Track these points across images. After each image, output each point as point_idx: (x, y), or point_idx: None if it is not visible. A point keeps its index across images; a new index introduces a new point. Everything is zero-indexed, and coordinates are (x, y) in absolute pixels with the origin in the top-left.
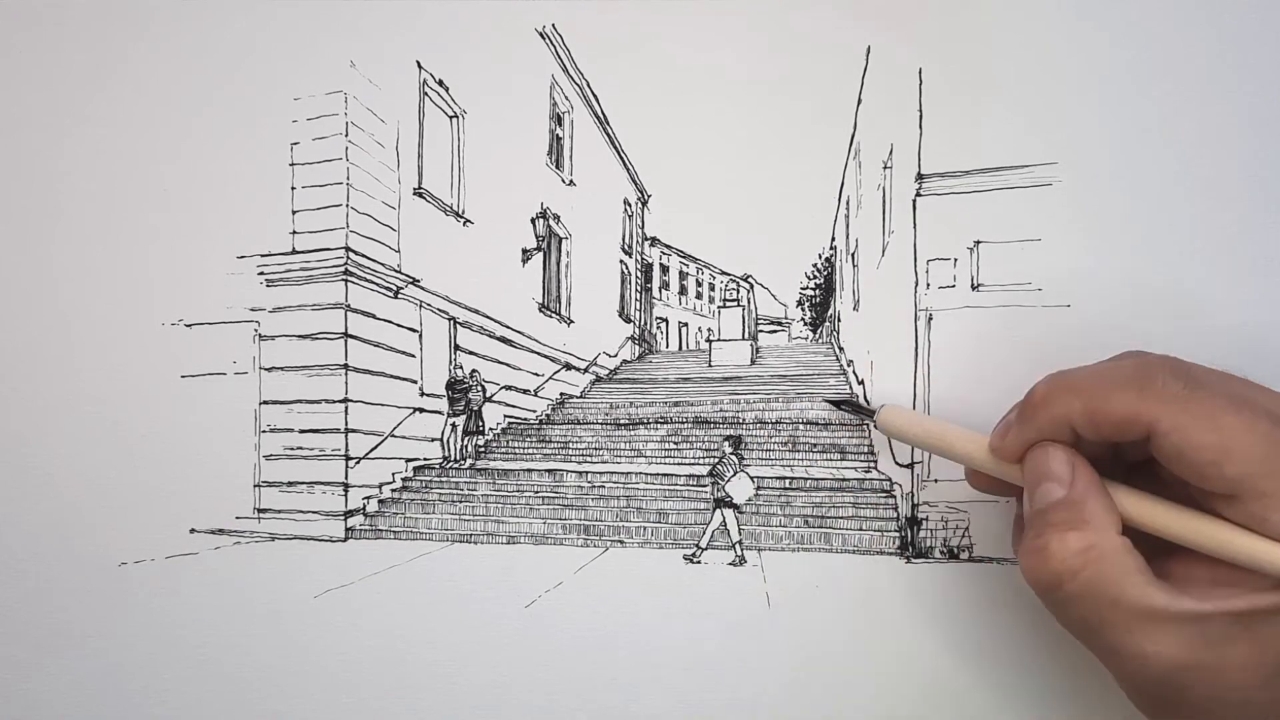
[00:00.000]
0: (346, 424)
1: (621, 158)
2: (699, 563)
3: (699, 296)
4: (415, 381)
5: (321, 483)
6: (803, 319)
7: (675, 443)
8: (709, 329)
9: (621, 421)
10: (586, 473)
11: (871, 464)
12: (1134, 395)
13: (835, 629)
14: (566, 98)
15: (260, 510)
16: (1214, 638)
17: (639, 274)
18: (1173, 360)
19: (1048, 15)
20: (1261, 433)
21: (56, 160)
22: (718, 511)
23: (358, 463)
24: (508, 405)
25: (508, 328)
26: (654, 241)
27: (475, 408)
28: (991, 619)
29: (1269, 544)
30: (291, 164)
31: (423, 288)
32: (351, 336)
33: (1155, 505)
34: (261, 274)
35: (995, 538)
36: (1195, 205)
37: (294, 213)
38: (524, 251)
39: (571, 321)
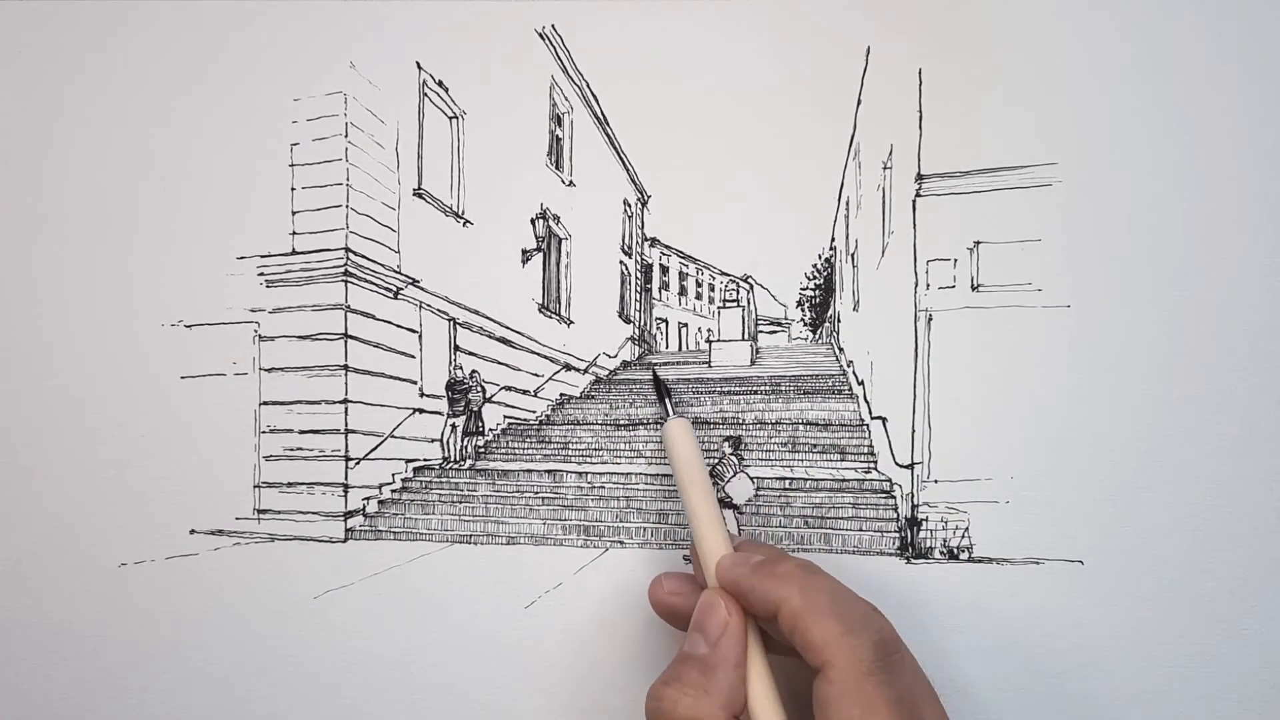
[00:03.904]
0: (346, 425)
1: (621, 158)
2: None
3: (699, 297)
4: (415, 382)
5: (321, 484)
6: (803, 319)
7: None
8: (709, 329)
9: (621, 422)
10: (586, 473)
11: (871, 464)
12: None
13: None
14: (566, 98)
15: (260, 511)
16: None
17: (639, 274)
18: (896, 645)
19: (1047, 15)
20: None
21: (56, 160)
22: None
23: (357, 464)
24: (507, 406)
25: (507, 328)
26: (654, 242)
27: (475, 408)
28: (991, 619)
29: None
30: (291, 164)
31: (422, 288)
32: (351, 337)
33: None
34: (261, 275)
35: (995, 538)
36: (1195, 205)
37: (294, 213)
38: (524, 252)
39: (571, 322)
